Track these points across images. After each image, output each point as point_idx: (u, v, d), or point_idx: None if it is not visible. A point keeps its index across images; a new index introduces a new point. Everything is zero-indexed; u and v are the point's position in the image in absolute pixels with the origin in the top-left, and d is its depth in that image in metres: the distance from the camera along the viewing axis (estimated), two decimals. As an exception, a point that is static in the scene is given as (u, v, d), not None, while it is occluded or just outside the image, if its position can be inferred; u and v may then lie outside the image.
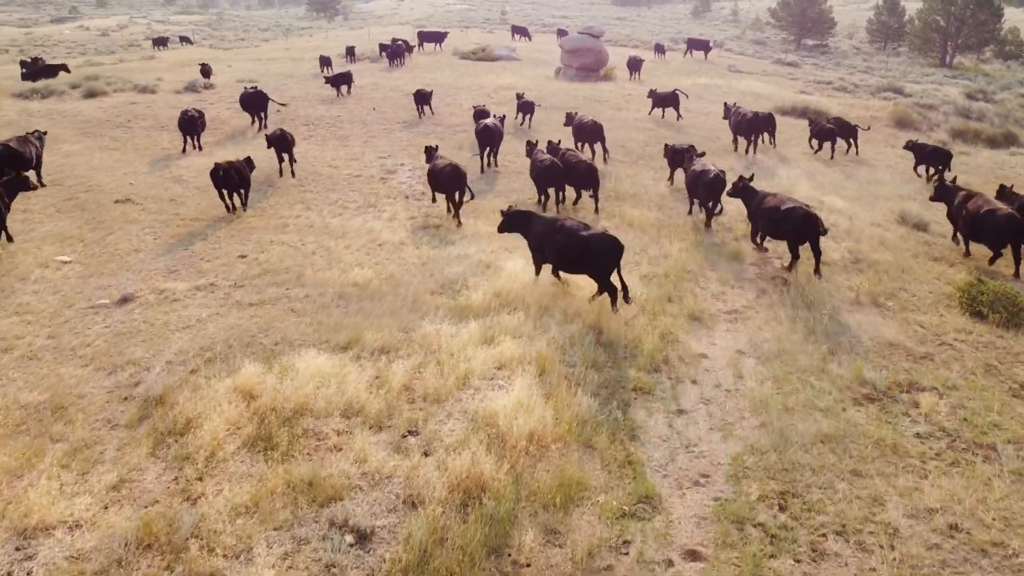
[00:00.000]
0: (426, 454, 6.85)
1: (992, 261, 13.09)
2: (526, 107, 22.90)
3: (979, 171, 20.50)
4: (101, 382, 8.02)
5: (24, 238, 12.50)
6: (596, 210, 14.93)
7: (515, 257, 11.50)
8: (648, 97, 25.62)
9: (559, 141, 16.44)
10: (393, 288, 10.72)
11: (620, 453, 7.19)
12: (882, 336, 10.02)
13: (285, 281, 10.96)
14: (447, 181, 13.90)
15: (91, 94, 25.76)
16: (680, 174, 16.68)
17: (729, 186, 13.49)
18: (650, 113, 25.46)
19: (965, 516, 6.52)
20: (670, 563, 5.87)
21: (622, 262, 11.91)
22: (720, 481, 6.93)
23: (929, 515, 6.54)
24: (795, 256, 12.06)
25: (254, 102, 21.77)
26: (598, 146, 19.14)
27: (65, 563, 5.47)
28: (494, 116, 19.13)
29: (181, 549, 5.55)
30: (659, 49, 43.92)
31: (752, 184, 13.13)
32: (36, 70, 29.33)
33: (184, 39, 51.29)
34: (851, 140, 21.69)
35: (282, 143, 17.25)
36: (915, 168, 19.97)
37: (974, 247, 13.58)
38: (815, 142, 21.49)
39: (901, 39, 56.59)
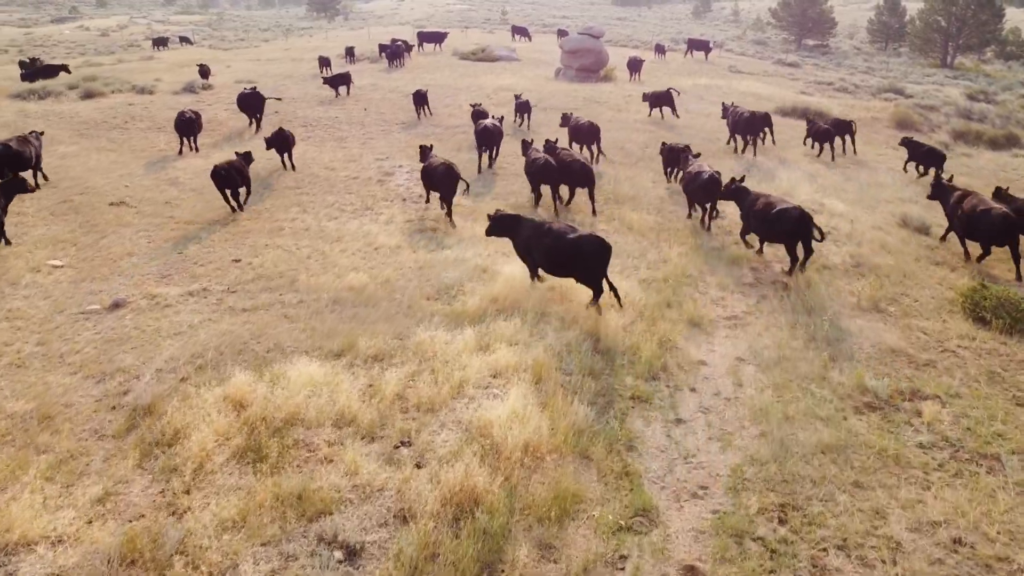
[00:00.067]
0: (419, 466, 6.71)
1: (981, 259, 13.03)
2: (523, 107, 22.84)
3: (981, 173, 20.36)
4: (89, 390, 7.89)
5: (17, 241, 12.37)
6: (593, 211, 14.82)
7: (512, 261, 11.36)
8: (643, 101, 25.57)
9: (556, 140, 16.36)
10: (388, 293, 10.59)
11: (617, 464, 7.04)
12: (884, 342, 9.87)
13: (279, 286, 10.83)
14: (441, 181, 13.87)
15: (89, 95, 25.64)
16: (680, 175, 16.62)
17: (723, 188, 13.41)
18: (649, 115, 25.33)
19: (969, 530, 6.37)
20: (667, 579, 5.73)
21: (622, 266, 11.88)
22: (719, 493, 6.79)
23: (932, 529, 6.39)
24: (794, 258, 11.96)
25: (251, 103, 21.67)
26: (595, 147, 19.05)
27: (47, 580, 5.34)
28: (493, 117, 19.06)
29: (165, 566, 5.41)
30: (659, 50, 43.78)
31: (744, 185, 13.05)
32: (35, 70, 29.19)
33: (184, 39, 51.18)
34: (848, 137, 21.74)
35: (282, 143, 17.29)
36: (905, 165, 20.10)
37: (954, 242, 13.65)
38: (815, 144, 21.45)
39: (902, 39, 56.45)
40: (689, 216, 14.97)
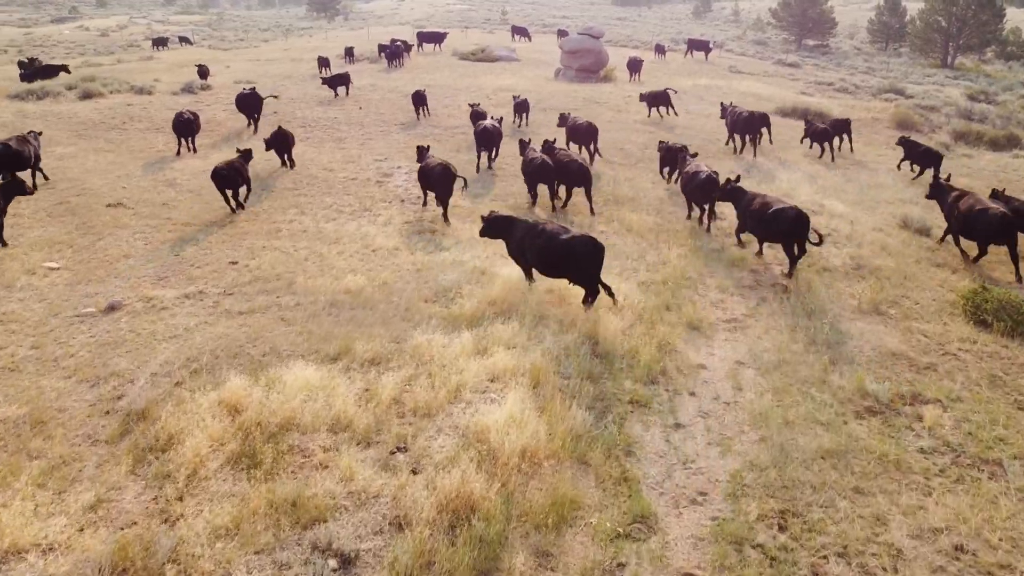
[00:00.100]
0: (415, 472, 6.64)
1: (977, 259, 12.99)
2: (521, 107, 22.92)
3: (982, 174, 20.28)
4: (83, 395, 7.82)
5: (13, 243, 12.31)
6: (591, 211, 14.79)
7: (510, 264, 11.28)
8: (640, 101, 25.51)
9: (554, 140, 16.34)
10: (386, 296, 10.52)
11: (615, 470, 6.97)
12: (884, 346, 9.81)
13: (276, 289, 10.76)
14: (437, 181, 13.90)
15: (87, 95, 25.53)
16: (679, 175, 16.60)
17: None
18: (648, 115, 25.27)
19: (971, 537, 6.31)
20: (666, 588, 5.66)
21: (621, 268, 11.82)
22: (718, 499, 6.72)
23: (934, 535, 6.33)
24: (792, 258, 11.93)
25: (249, 103, 21.63)
26: (593, 147, 19.03)
27: (37, 588, 5.28)
28: (492, 117, 19.03)
29: (157, 575, 5.34)
30: (659, 50, 43.71)
31: (740, 185, 13.06)
32: (35, 71, 29.10)
33: (183, 39, 51.13)
34: (846, 135, 21.89)
35: (281, 144, 17.30)
36: (899, 163, 20.16)
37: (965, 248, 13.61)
38: (814, 144, 21.50)
39: (902, 39, 56.36)
40: (688, 217, 14.91)
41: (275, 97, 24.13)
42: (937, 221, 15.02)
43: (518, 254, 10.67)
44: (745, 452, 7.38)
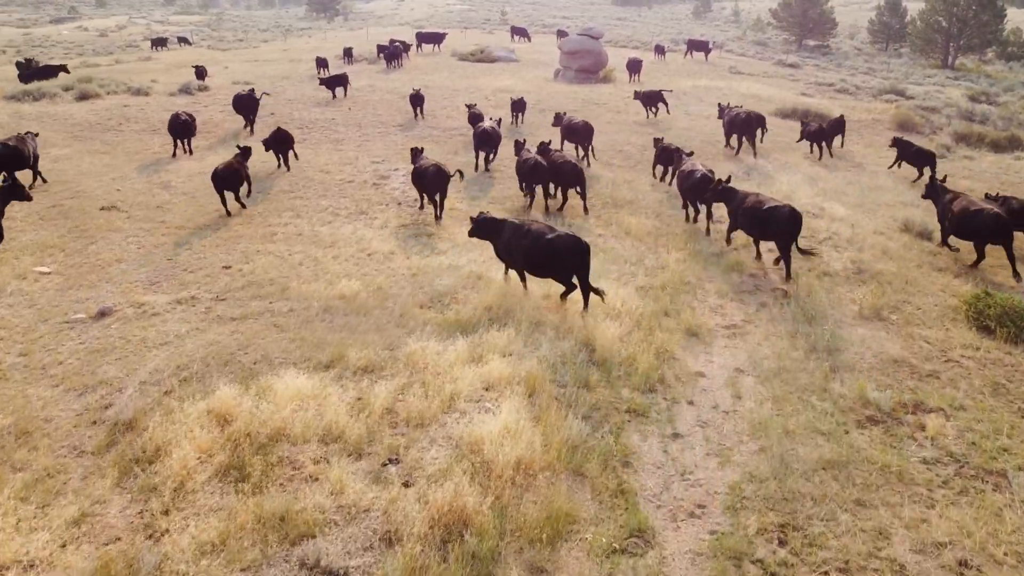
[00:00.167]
0: (407, 485, 6.49)
1: (976, 263, 12.88)
2: (518, 106, 22.99)
3: (983, 176, 20.12)
4: (70, 404, 7.68)
5: (4, 247, 12.16)
6: (585, 209, 14.84)
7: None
8: (635, 99, 25.64)
9: (549, 141, 16.31)
10: (381, 301, 10.38)
11: (612, 481, 6.83)
12: (886, 352, 9.66)
13: (269, 294, 10.61)
14: (431, 182, 13.94)
15: (84, 96, 25.39)
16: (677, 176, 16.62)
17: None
18: (647, 116, 25.13)
19: (975, 551, 6.17)
20: (662, 606, 5.52)
21: (619, 273, 11.68)
22: (717, 512, 6.58)
23: (937, 550, 6.19)
24: (787, 258, 11.92)
25: (247, 103, 21.51)
26: (589, 147, 19.05)
27: (17, 607, 5.14)
28: (491, 118, 18.94)
29: (140, 593, 5.21)
30: (659, 50, 43.53)
31: (732, 186, 13.16)
32: (34, 71, 28.94)
33: (182, 40, 50.94)
34: (840, 134, 22.16)
35: (279, 144, 17.24)
36: (892, 164, 20.14)
37: (961, 252, 13.59)
38: (811, 145, 21.62)
39: (903, 40, 56.13)
40: (687, 219, 14.79)
41: (267, 94, 24.00)
42: (938, 224, 14.88)
43: (506, 255, 10.72)
44: (744, 463, 7.25)
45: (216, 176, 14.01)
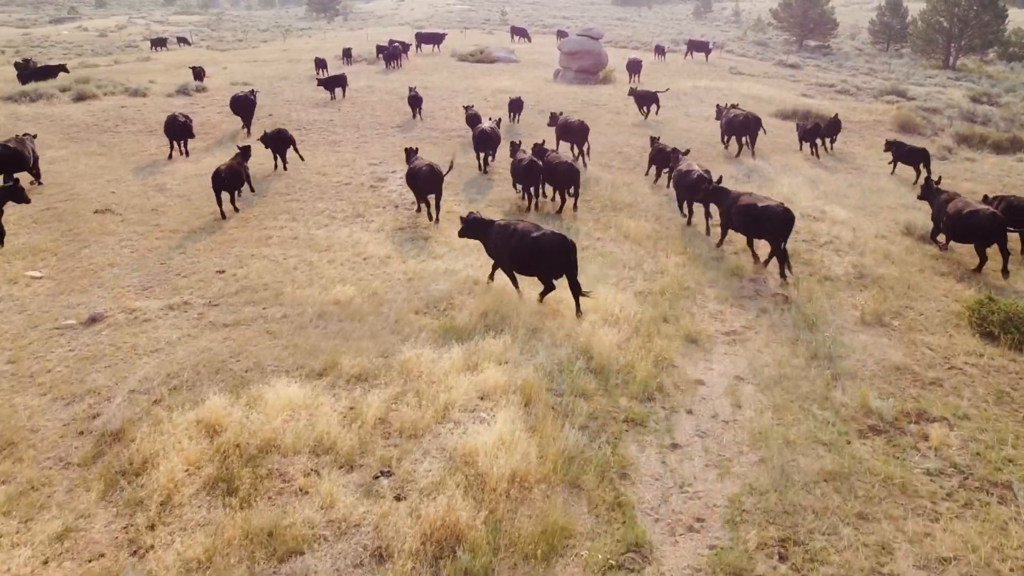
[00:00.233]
0: (398, 498, 6.35)
1: (979, 268, 12.76)
2: (515, 105, 23.10)
3: (986, 178, 19.94)
4: (58, 413, 7.53)
5: (-4, 251, 12.04)
6: (574, 207, 14.94)
7: (503, 274, 11.00)
8: (629, 95, 25.75)
9: (543, 142, 16.24)
10: (376, 307, 10.23)
11: (609, 494, 6.69)
12: (888, 359, 9.52)
13: (263, 299, 10.47)
14: (424, 182, 13.91)
15: (81, 97, 25.25)
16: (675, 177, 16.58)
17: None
18: (646, 117, 24.99)
19: (981, 567, 6.02)
20: (660, 625, 5.38)
21: (618, 277, 11.54)
22: (716, 526, 6.44)
23: (941, 566, 6.04)
24: (780, 257, 11.92)
25: (244, 105, 21.38)
26: (585, 147, 19.00)
27: (-3, 627, 5.01)
28: (490, 119, 18.85)
29: (123, 612, 5.07)
30: (659, 51, 43.34)
31: (724, 186, 13.20)
32: (33, 71, 28.80)
33: (182, 40, 50.79)
34: (835, 134, 22.36)
35: (277, 143, 17.17)
36: (893, 168, 20.08)
37: (962, 254, 13.53)
38: (805, 144, 21.79)
39: (904, 40, 55.91)
40: (687, 223, 14.66)
41: (256, 92, 23.89)
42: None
43: (495, 255, 10.70)
44: (744, 474, 7.10)
45: (218, 176, 13.91)
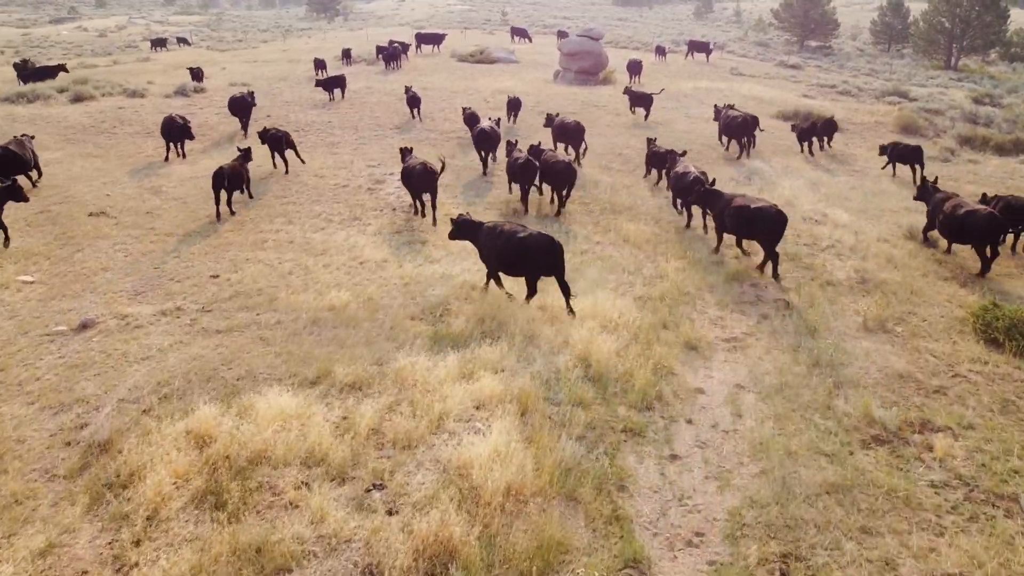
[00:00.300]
0: (391, 512, 6.20)
1: (983, 272, 12.62)
2: (514, 105, 23.11)
3: (988, 181, 19.76)
4: (45, 423, 7.39)
5: (-12, 255, 11.91)
6: (563, 202, 14.85)
7: (502, 278, 10.86)
8: (623, 93, 25.81)
9: (539, 143, 16.17)
10: (371, 313, 10.09)
11: (606, 507, 6.54)
12: (891, 367, 9.36)
13: (257, 305, 10.33)
14: (419, 180, 13.88)
15: (78, 98, 25.13)
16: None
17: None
18: (646, 119, 24.84)
19: (987, 584, 5.87)
20: (658, 645, 5.24)
21: (617, 282, 11.40)
22: (716, 540, 6.29)
23: (947, 583, 5.89)
24: (774, 259, 11.94)
25: (242, 106, 21.27)
26: (581, 148, 18.98)
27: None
28: (489, 119, 18.73)
29: (105, 633, 4.93)
30: (660, 51, 43.18)
31: (716, 188, 13.20)
32: (33, 71, 28.68)
33: (181, 40, 50.66)
34: (830, 134, 22.42)
35: (274, 141, 17.04)
36: (893, 170, 20.01)
37: (962, 256, 13.50)
38: (802, 144, 21.77)
39: (905, 41, 55.72)
40: (687, 226, 14.52)
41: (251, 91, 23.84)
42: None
43: (485, 256, 10.68)
44: (745, 487, 6.96)
45: (220, 175, 13.84)
